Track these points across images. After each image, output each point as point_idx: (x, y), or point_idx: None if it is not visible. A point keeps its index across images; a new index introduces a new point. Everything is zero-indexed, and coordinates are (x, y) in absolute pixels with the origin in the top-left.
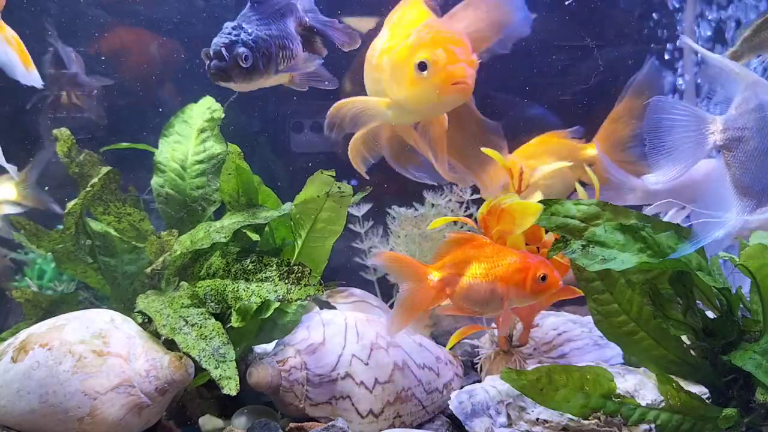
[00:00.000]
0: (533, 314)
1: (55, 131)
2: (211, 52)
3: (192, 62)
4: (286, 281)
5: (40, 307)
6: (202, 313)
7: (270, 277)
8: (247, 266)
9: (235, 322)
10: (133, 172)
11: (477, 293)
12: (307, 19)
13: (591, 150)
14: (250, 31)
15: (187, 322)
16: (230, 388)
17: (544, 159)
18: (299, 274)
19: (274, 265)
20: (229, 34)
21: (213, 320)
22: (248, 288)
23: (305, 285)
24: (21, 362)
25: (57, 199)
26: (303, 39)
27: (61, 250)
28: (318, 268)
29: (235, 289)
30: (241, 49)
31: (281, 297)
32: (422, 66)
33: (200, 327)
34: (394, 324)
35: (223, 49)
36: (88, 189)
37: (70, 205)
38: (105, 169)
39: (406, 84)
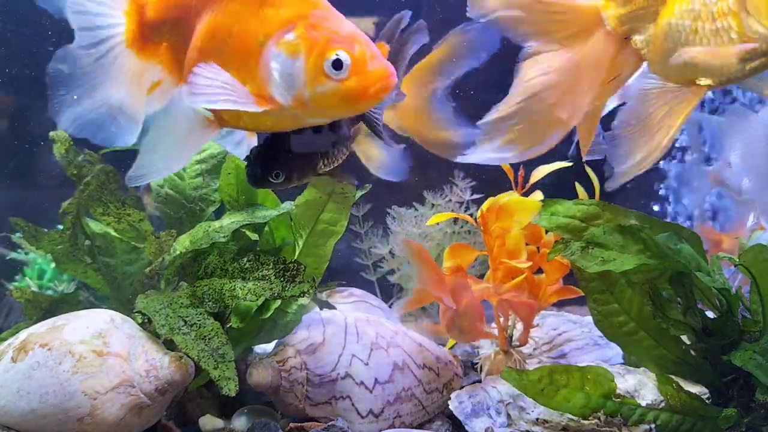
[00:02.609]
0: (533, 314)
1: (52, 133)
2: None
3: None
4: (281, 279)
5: (40, 307)
6: (201, 314)
7: (266, 275)
8: (244, 265)
9: (234, 322)
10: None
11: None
12: None
13: None
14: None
15: (186, 322)
16: (229, 388)
17: None
18: (294, 272)
19: (271, 264)
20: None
21: (212, 320)
22: (245, 287)
23: (300, 282)
24: (21, 362)
25: (57, 199)
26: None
27: (60, 251)
28: (319, 268)
29: (232, 288)
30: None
31: (275, 294)
32: None
33: (199, 327)
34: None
35: (254, 163)
36: (81, 188)
37: (64, 204)
38: (98, 168)
39: None
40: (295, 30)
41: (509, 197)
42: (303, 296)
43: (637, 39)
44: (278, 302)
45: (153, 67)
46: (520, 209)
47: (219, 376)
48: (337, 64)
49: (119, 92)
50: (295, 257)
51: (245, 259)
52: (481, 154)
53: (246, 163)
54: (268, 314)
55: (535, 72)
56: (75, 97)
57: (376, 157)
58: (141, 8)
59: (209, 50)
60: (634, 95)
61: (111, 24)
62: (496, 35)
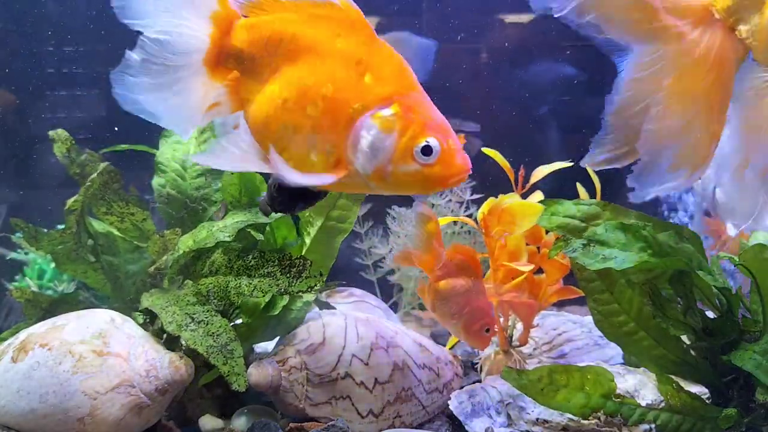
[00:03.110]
0: (533, 314)
1: (51, 132)
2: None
3: None
4: (288, 275)
5: (40, 307)
6: (208, 311)
7: (272, 272)
8: (250, 262)
9: (243, 319)
10: (135, 171)
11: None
12: None
13: None
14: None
15: (193, 319)
16: (239, 384)
17: None
18: (300, 268)
19: (276, 261)
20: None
21: (219, 317)
22: (251, 283)
23: (306, 278)
24: (21, 362)
25: (58, 199)
26: None
27: (61, 251)
28: (326, 265)
29: (237, 285)
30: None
31: (282, 290)
32: None
33: (207, 324)
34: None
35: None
36: (87, 185)
37: (70, 202)
38: (102, 166)
39: None
40: (392, 107)
41: (511, 200)
42: (311, 291)
43: (742, 29)
44: (286, 299)
45: (218, 88)
46: (523, 213)
47: (228, 371)
48: (427, 150)
49: (183, 99)
50: (302, 254)
51: (250, 257)
52: (655, 188)
53: (270, 197)
54: (276, 311)
55: (665, 90)
56: (141, 85)
57: None
58: (224, 34)
59: (296, 103)
60: (743, 93)
61: (195, 37)
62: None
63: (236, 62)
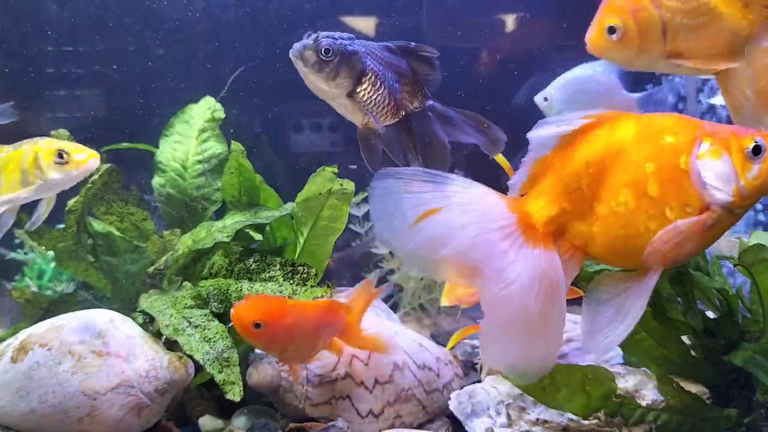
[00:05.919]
0: None
1: (53, 132)
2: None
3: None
4: (291, 282)
5: (39, 308)
6: (205, 314)
7: (274, 276)
8: (251, 266)
9: None
10: (134, 171)
11: None
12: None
13: None
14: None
15: (190, 323)
16: (234, 393)
17: None
18: (305, 275)
19: (278, 265)
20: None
21: (216, 322)
22: (252, 288)
23: (311, 286)
24: (21, 362)
25: (59, 199)
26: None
27: (62, 249)
28: (320, 265)
29: (238, 288)
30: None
31: (287, 297)
32: None
33: (204, 329)
34: None
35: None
36: (89, 186)
37: (71, 202)
38: (105, 167)
39: None
40: (703, 141)
41: None
42: (315, 300)
43: None
44: None
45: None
46: None
47: (224, 380)
48: (757, 149)
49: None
50: (297, 255)
51: (251, 260)
52: None
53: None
54: None
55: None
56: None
57: None
58: (528, 212)
59: (635, 198)
60: None
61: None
62: None
63: (555, 227)
